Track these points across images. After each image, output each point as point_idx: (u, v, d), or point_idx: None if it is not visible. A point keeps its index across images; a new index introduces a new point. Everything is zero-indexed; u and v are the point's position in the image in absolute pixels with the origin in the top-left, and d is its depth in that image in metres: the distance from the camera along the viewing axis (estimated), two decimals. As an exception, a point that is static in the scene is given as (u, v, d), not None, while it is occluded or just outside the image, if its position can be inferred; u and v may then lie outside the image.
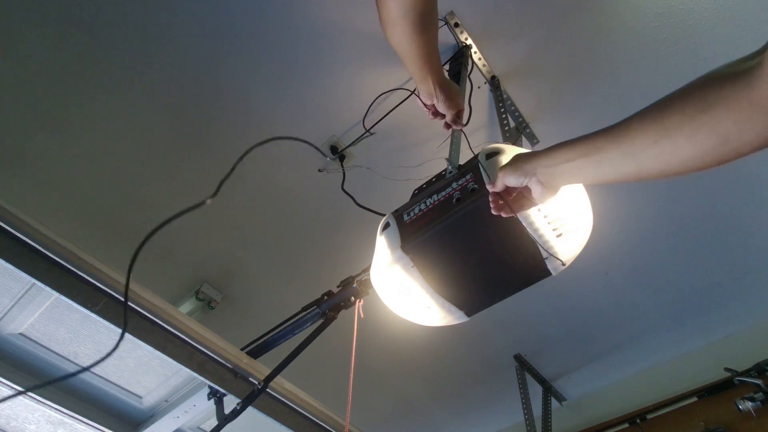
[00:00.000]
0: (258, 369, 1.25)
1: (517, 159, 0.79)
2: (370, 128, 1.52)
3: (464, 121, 1.18)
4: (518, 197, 0.81)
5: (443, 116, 1.17)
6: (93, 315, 1.02)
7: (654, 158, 0.60)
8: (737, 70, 0.51)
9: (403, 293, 1.03)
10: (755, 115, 0.50)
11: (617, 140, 0.63)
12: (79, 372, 1.07)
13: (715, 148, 0.54)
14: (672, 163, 0.59)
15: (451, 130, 1.20)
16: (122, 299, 1.06)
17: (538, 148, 1.74)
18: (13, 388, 1.17)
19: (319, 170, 1.80)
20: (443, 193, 0.96)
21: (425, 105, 1.14)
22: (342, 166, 1.75)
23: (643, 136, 0.59)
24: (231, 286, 2.13)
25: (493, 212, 0.81)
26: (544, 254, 0.93)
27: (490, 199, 0.81)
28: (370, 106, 1.54)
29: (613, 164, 0.64)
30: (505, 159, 0.91)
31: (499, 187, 0.80)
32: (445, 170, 1.05)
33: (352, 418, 1.14)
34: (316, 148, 1.10)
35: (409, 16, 0.90)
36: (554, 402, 2.57)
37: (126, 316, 1.03)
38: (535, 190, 0.76)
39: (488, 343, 2.39)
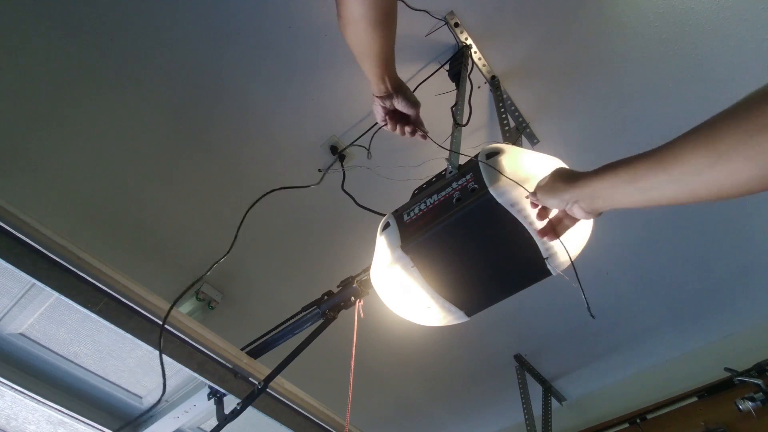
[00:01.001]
0: (258, 369, 1.25)
1: (555, 182, 0.77)
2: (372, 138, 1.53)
3: (425, 129, 1.14)
4: (560, 218, 0.81)
5: (402, 124, 1.12)
6: (93, 315, 1.02)
7: (706, 182, 0.56)
8: None
9: (403, 293, 1.03)
10: None
11: (665, 166, 0.60)
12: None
13: None
14: (726, 187, 0.55)
15: (451, 130, 1.20)
16: (124, 300, 1.06)
17: (538, 147, 1.74)
18: (13, 388, 1.17)
19: (319, 170, 1.80)
20: (443, 193, 0.96)
21: (383, 112, 1.11)
22: (342, 166, 1.75)
23: (696, 161, 0.56)
24: (231, 286, 2.13)
25: (540, 236, 0.83)
26: (544, 254, 0.93)
27: (538, 220, 0.82)
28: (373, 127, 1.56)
29: (662, 190, 0.62)
30: (505, 159, 0.91)
31: (537, 207, 0.81)
32: (445, 170, 1.05)
33: (352, 418, 1.14)
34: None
35: (369, 15, 0.88)
36: (554, 402, 2.57)
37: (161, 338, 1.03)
38: (578, 214, 0.76)
39: (488, 343, 2.39)
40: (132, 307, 1.07)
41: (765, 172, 0.51)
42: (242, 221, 1.44)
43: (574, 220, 0.80)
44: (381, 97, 1.06)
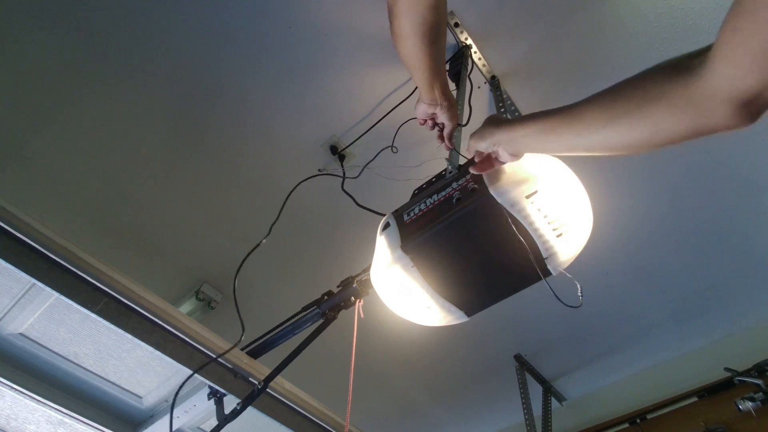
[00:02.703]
0: (258, 369, 1.25)
1: (485, 128, 0.86)
2: (392, 144, 1.54)
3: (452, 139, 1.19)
4: (487, 159, 0.89)
5: (441, 128, 1.17)
6: (93, 315, 1.02)
7: (601, 140, 0.68)
8: (679, 67, 0.58)
9: (403, 293, 1.03)
10: (688, 109, 0.57)
11: (571, 122, 0.71)
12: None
13: (652, 136, 0.62)
14: (615, 145, 0.67)
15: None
16: (124, 300, 1.06)
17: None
18: (13, 388, 1.17)
19: (319, 170, 1.80)
20: (443, 193, 0.96)
21: (425, 116, 1.16)
22: (342, 166, 1.75)
23: (594, 121, 0.67)
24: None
25: (472, 170, 0.90)
26: (544, 254, 0.93)
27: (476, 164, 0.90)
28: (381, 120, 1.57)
29: (565, 142, 0.73)
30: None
31: (471, 153, 0.90)
32: (445, 170, 1.05)
33: (352, 418, 1.14)
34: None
35: (419, 30, 0.94)
36: (554, 402, 2.56)
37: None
38: (503, 155, 0.85)
39: (488, 343, 2.38)
40: (132, 307, 1.07)
41: (648, 135, 0.62)
42: (282, 207, 1.54)
43: (501, 162, 0.88)
44: (428, 104, 1.11)
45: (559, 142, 0.74)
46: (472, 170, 0.90)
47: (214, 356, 1.16)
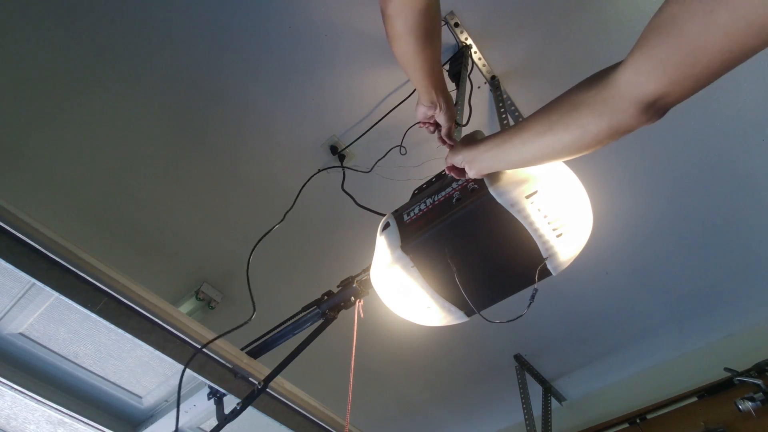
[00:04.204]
0: (258, 369, 1.25)
1: (458, 146, 0.93)
2: (401, 144, 1.55)
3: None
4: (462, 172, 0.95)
5: (439, 128, 1.18)
6: (93, 315, 1.02)
7: (544, 146, 0.76)
8: (600, 77, 0.67)
9: (403, 293, 1.03)
10: (605, 112, 0.66)
11: (518, 134, 0.80)
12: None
13: (582, 137, 0.71)
14: (555, 149, 0.75)
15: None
16: (124, 300, 1.06)
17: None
18: (13, 387, 1.17)
19: (319, 170, 1.80)
20: (443, 193, 0.96)
21: (425, 117, 1.17)
22: (342, 166, 1.75)
23: (536, 130, 0.76)
24: (231, 286, 2.13)
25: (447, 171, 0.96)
26: (544, 254, 0.93)
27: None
28: (383, 117, 1.57)
29: (516, 152, 0.81)
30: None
31: (448, 165, 0.96)
32: (444, 170, 1.05)
33: (352, 418, 1.14)
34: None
35: (412, 33, 0.95)
36: (554, 402, 2.56)
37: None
38: (470, 173, 0.90)
39: (488, 343, 2.39)
40: (132, 307, 1.07)
41: (579, 137, 0.71)
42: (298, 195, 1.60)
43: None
44: (427, 106, 1.12)
45: (511, 153, 0.82)
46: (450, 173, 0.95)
47: (214, 356, 1.16)
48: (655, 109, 0.63)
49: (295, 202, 1.58)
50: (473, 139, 0.92)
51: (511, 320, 0.94)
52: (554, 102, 0.75)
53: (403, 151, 1.57)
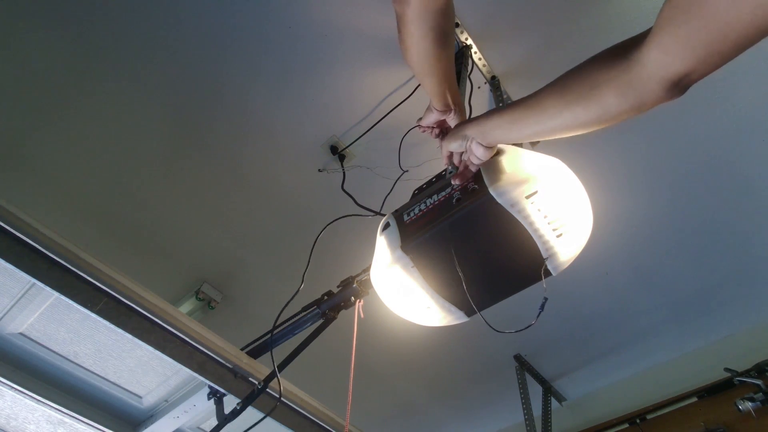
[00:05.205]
0: (258, 369, 1.25)
1: (454, 130, 0.92)
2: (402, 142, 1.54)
3: None
4: (463, 166, 0.94)
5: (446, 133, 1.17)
6: (93, 315, 1.02)
7: (560, 123, 0.76)
8: (619, 55, 0.67)
9: (403, 293, 1.03)
10: (629, 92, 0.66)
11: (533, 111, 0.79)
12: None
13: (600, 116, 0.71)
14: (574, 125, 0.76)
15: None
16: (124, 300, 1.06)
17: (537, 148, 1.74)
18: (13, 387, 1.17)
19: (319, 170, 1.80)
20: (443, 193, 0.96)
21: (436, 123, 1.15)
22: (342, 166, 1.75)
23: (553, 108, 0.76)
24: (231, 286, 2.13)
25: (454, 182, 0.94)
26: (544, 254, 0.93)
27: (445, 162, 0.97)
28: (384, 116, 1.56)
29: (530, 128, 0.81)
30: (505, 159, 0.91)
31: (445, 155, 0.94)
32: (445, 170, 1.05)
33: (352, 418, 1.14)
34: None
35: (430, 36, 0.93)
36: (554, 402, 2.56)
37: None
38: (476, 150, 0.88)
39: (488, 343, 2.38)
40: (132, 307, 1.07)
41: (598, 116, 0.71)
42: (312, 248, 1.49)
43: (477, 161, 0.91)
44: (440, 111, 1.10)
45: (524, 129, 0.82)
46: (453, 182, 0.93)
47: (214, 356, 1.16)
48: (681, 87, 0.63)
49: (309, 261, 1.46)
50: (469, 119, 0.91)
51: (519, 330, 0.93)
52: (569, 79, 0.75)
53: (404, 152, 1.57)
